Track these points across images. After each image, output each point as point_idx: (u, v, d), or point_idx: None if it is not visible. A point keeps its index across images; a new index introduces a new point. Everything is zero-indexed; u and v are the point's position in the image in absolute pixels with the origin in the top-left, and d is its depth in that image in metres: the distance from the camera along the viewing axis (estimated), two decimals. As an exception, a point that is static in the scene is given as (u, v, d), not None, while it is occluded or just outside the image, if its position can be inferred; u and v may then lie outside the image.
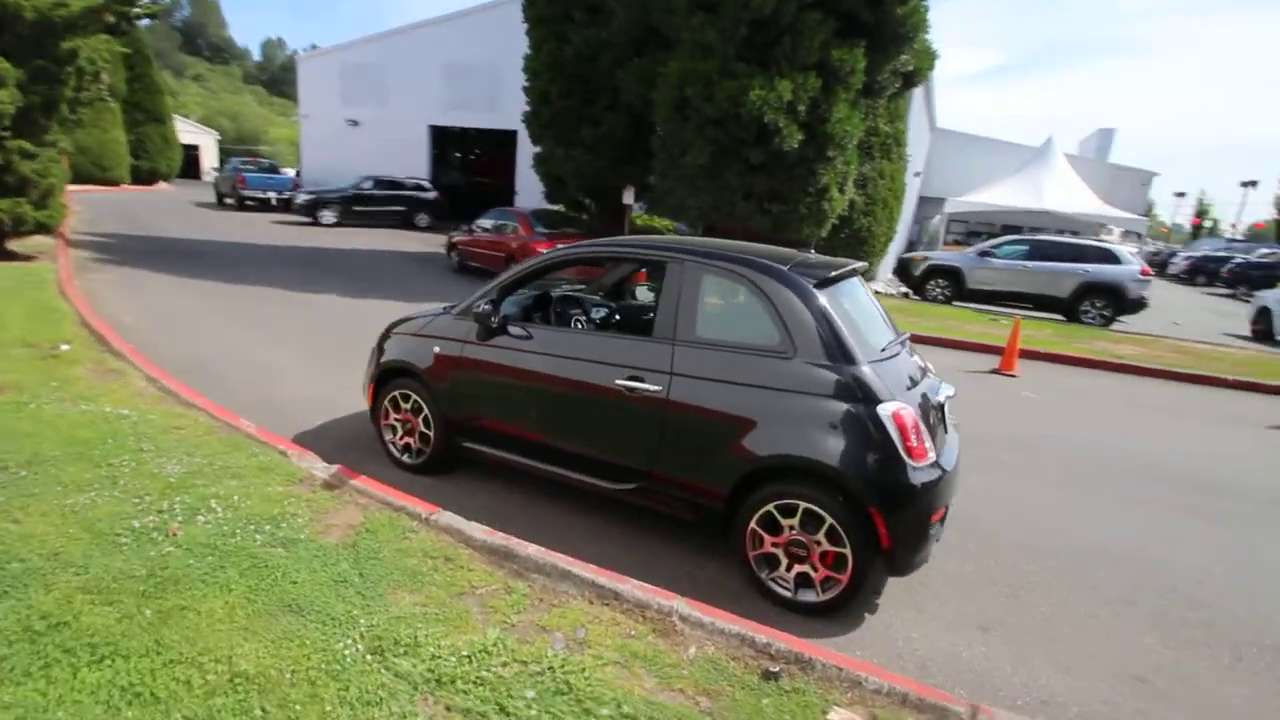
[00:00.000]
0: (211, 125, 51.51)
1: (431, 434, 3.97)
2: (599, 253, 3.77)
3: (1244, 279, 27.66)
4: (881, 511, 2.70)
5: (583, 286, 4.99)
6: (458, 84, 24.96)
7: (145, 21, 13.37)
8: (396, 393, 4.08)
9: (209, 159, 45.60)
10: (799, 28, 10.29)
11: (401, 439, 4.14)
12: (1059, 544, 3.81)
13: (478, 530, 3.19)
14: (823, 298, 2.99)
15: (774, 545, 2.95)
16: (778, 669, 2.42)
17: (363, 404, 5.25)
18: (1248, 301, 24.16)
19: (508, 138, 25.03)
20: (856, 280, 3.42)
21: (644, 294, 5.15)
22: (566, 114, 13.31)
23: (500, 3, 23.58)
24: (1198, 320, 16.39)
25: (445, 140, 28.95)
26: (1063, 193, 24.65)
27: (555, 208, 15.55)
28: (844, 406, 2.81)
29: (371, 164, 27.02)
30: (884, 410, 2.78)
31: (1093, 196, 25.18)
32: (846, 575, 2.81)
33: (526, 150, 23.79)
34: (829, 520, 2.80)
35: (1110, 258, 12.88)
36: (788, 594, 2.95)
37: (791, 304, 2.96)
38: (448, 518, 3.30)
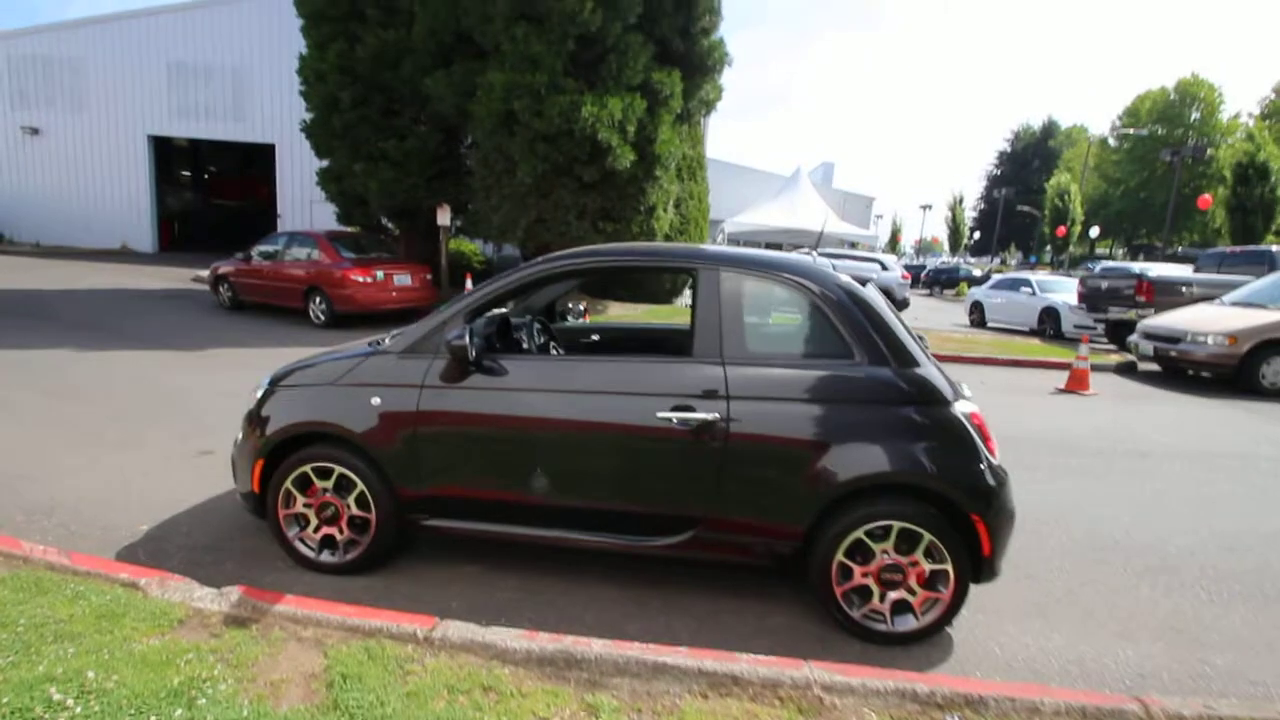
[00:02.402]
0: None
1: (372, 517, 2.94)
2: (604, 262, 3.13)
3: (936, 281, 35.44)
4: (984, 517, 2.57)
5: (505, 311, 4.21)
6: (188, 87, 20.84)
7: None
8: (307, 468, 2.95)
9: None
10: (623, 48, 10.39)
11: (319, 531, 3.01)
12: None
13: (512, 638, 2.37)
14: (876, 299, 2.80)
15: (865, 575, 2.65)
16: (955, 718, 2.11)
17: (193, 489, 3.87)
18: (944, 298, 30.95)
19: (261, 152, 21.58)
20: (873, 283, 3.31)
21: (574, 318, 4.54)
22: (364, 124, 11.77)
23: (240, -2, 20.36)
24: (926, 315, 20.05)
25: (171, 154, 24.02)
26: (811, 214, 28.70)
27: (348, 229, 13.61)
28: (920, 411, 2.63)
29: (64, 183, 21.33)
30: (960, 410, 2.66)
31: (834, 216, 29.73)
32: (949, 592, 2.61)
33: (290, 167, 20.90)
34: (927, 536, 2.58)
35: (881, 266, 15.17)
36: (884, 626, 2.67)
37: (847, 307, 2.72)
38: (457, 629, 2.41)
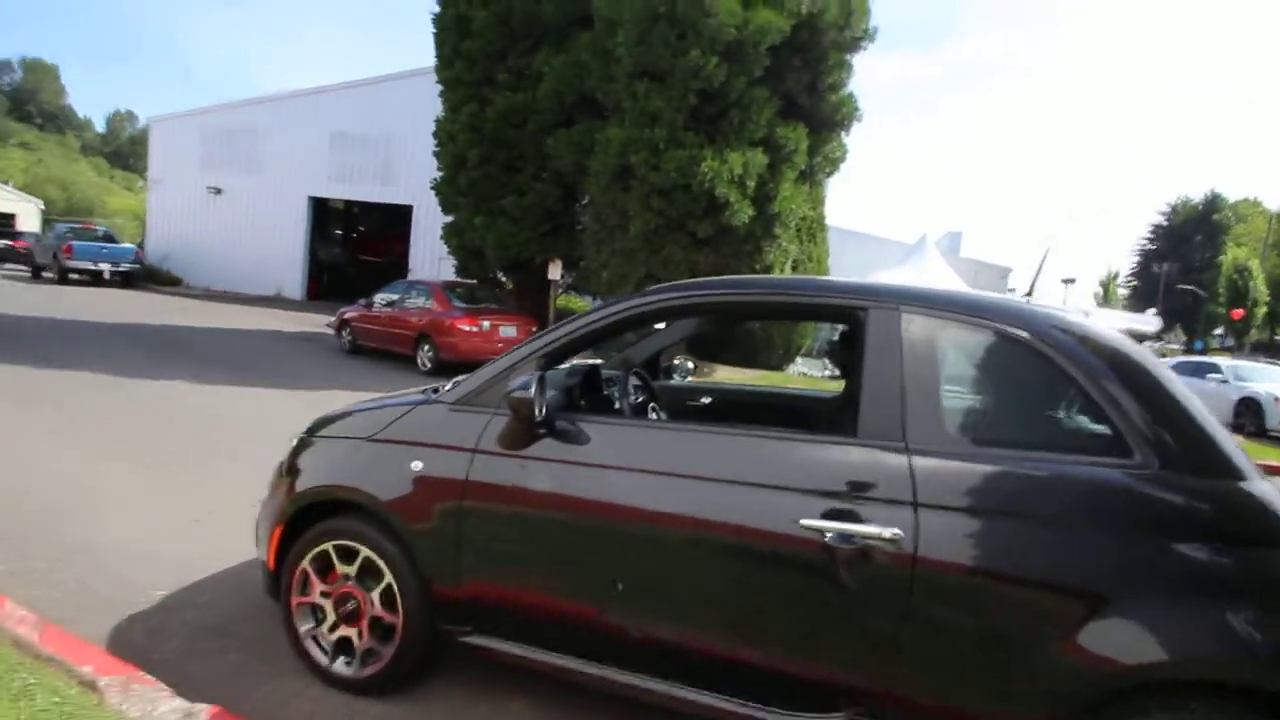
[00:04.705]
0: (36, 193, 44.71)
1: (399, 621, 2.21)
2: (731, 297, 2.39)
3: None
4: None
5: (599, 362, 3.51)
6: (345, 155, 22.99)
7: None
8: (329, 545, 2.30)
9: (29, 229, 39.04)
10: (746, 102, 9.94)
11: (334, 630, 2.32)
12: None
13: None
14: (1165, 370, 1.78)
15: (1157, 837, 1.54)
16: None
17: (239, 545, 3.33)
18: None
19: (401, 213, 23.25)
20: None
21: (680, 376, 3.76)
22: (487, 180, 12.03)
23: (397, 76, 22.49)
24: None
25: (326, 213, 26.52)
26: (940, 284, 26.70)
27: (465, 281, 13.83)
28: (1257, 557, 1.55)
29: (235, 236, 24.00)
30: (1332, 562, 1.55)
31: (965, 287, 27.53)
32: None
33: (424, 226, 22.27)
34: (1283, 786, 1.45)
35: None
36: None
37: (1114, 377, 1.72)
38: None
